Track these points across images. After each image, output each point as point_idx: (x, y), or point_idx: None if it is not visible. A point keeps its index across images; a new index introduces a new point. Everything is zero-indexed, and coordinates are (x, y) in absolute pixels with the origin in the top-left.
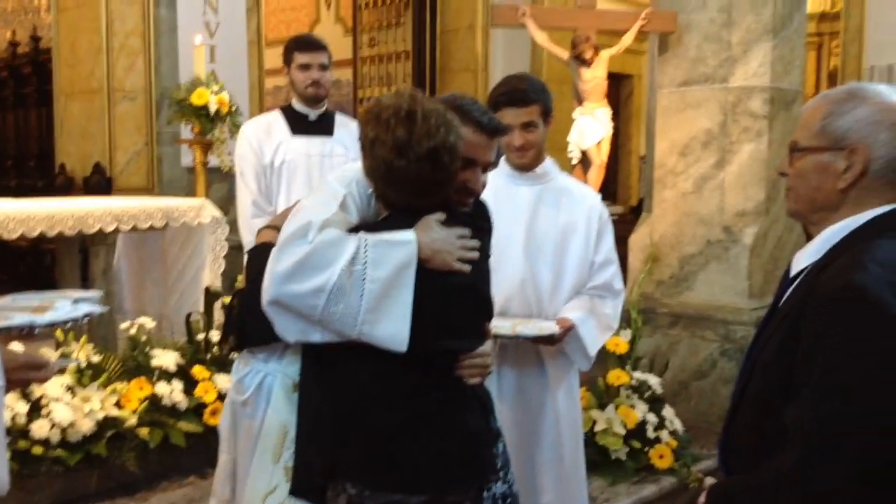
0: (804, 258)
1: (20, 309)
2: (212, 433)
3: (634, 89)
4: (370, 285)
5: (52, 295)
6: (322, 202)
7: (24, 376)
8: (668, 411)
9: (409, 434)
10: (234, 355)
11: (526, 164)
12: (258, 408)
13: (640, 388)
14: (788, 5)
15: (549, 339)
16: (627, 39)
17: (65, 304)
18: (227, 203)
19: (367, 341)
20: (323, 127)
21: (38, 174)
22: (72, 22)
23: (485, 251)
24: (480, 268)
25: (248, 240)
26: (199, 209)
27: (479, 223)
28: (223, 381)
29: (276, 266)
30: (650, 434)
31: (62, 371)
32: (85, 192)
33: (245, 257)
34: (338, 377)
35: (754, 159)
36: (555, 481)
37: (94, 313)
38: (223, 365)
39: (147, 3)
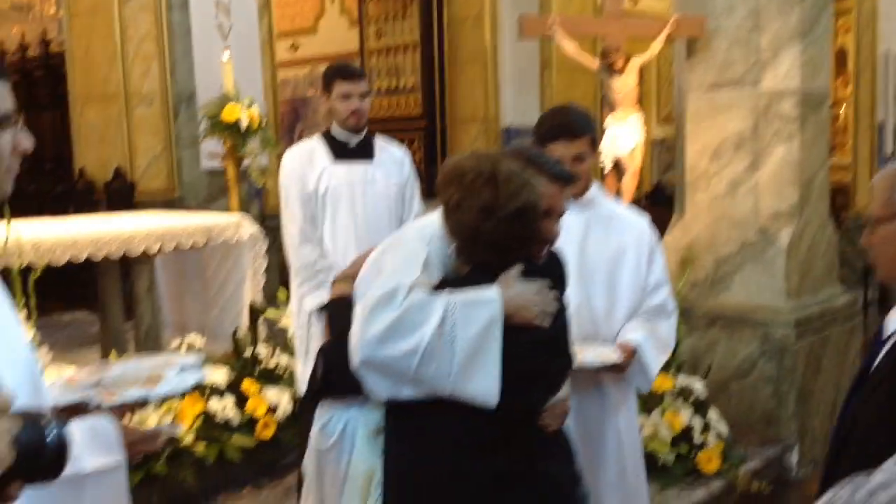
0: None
1: (131, 382)
2: (264, 446)
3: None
4: (461, 344)
5: (159, 362)
6: (405, 261)
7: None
8: (712, 413)
9: (502, 486)
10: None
11: (575, 193)
12: (342, 454)
13: (683, 393)
14: (816, 7)
15: (613, 367)
16: (656, 47)
17: (172, 375)
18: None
19: (458, 398)
20: (363, 152)
21: (56, 179)
22: (84, 28)
23: (563, 300)
24: (561, 317)
25: (296, 266)
26: (238, 226)
27: (555, 272)
28: (272, 394)
29: (367, 330)
30: (696, 438)
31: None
32: (106, 197)
33: (292, 282)
34: (425, 431)
35: (787, 161)
36: (620, 502)
37: (203, 380)
38: (271, 378)
39: (160, 8)
